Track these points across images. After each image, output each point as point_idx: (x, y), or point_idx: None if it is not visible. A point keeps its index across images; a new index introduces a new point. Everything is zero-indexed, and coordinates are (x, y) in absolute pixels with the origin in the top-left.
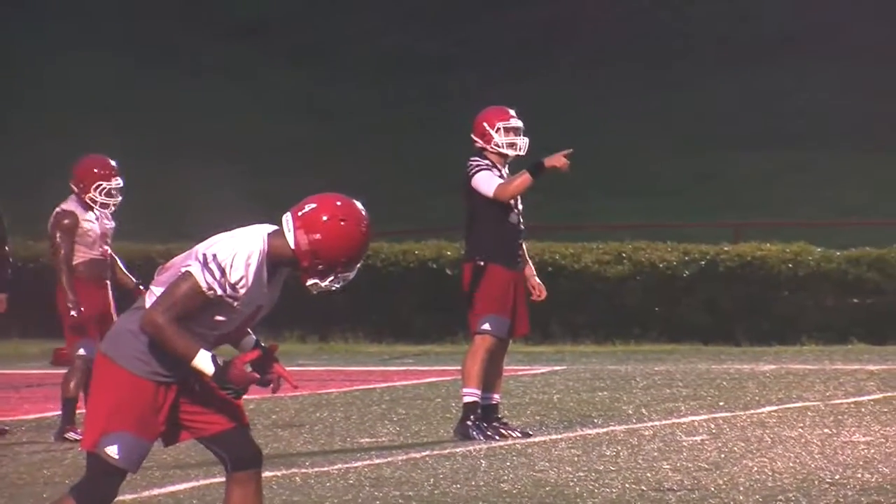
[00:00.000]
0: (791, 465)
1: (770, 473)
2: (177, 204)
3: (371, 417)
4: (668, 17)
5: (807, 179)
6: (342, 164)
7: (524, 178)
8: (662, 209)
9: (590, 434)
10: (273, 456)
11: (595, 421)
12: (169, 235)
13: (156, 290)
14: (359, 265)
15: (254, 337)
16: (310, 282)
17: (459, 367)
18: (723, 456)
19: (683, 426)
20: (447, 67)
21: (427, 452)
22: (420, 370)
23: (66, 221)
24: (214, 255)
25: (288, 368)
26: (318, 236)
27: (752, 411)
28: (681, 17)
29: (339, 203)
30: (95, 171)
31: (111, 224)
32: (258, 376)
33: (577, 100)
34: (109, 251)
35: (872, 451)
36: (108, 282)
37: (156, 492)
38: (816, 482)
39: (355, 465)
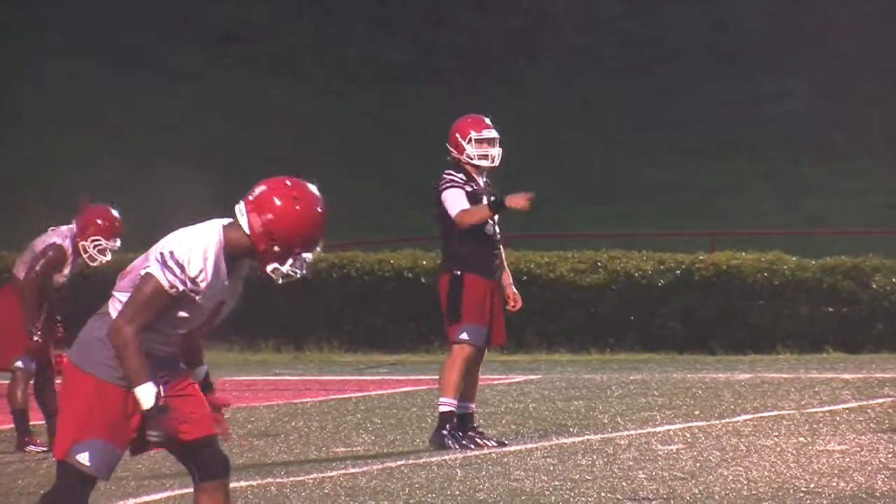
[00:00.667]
0: (766, 473)
1: (745, 482)
2: (153, 212)
3: (346, 427)
4: (640, 26)
5: (775, 188)
6: (318, 173)
7: (483, 213)
8: (636, 218)
9: (565, 443)
10: (248, 465)
11: (570, 430)
12: (148, 244)
13: (118, 296)
14: (318, 246)
15: (205, 367)
16: (270, 267)
17: (435, 377)
18: (698, 465)
19: (659, 435)
20: (423, 77)
21: (402, 462)
22: (395, 379)
23: (54, 256)
24: (171, 253)
25: (263, 378)
26: (270, 216)
27: (728, 420)
28: (654, 25)
29: (288, 183)
30: (99, 222)
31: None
32: (182, 431)
33: (552, 108)
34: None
35: (847, 459)
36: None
37: (130, 502)
38: (792, 491)
39: (331, 474)
